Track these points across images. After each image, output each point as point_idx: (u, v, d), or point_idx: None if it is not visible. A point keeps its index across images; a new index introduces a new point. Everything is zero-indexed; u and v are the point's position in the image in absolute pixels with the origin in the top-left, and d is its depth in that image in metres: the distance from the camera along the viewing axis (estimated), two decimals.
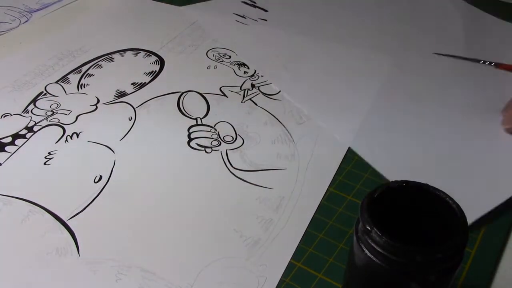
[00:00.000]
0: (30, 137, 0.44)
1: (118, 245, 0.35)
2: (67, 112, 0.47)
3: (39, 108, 0.48)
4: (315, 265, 0.34)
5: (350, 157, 0.42)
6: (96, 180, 0.40)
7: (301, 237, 0.36)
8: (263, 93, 0.50)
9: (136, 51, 0.56)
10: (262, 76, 0.52)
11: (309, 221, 0.37)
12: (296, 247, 0.35)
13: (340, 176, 0.40)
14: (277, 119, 0.46)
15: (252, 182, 0.40)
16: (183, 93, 0.49)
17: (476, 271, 0.33)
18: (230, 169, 0.41)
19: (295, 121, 0.46)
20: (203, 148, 0.43)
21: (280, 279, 0.33)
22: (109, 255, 0.34)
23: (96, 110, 0.47)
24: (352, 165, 0.41)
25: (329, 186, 0.39)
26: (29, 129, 0.45)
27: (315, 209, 0.38)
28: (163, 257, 0.34)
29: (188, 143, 0.43)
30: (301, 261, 0.34)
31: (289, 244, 0.35)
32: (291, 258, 0.34)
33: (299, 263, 0.34)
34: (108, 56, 0.55)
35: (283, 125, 0.45)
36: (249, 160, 0.42)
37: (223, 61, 0.54)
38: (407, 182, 0.26)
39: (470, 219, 0.35)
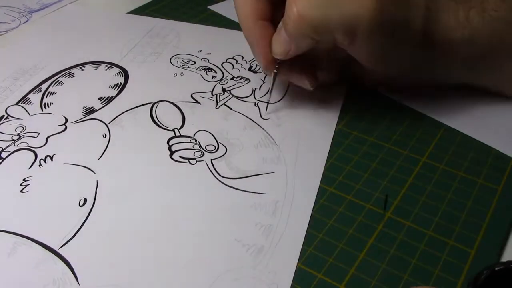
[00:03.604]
0: None
1: (118, 269, 0.34)
2: (35, 135, 0.45)
3: (3, 133, 0.45)
4: (315, 265, 0.34)
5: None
6: (81, 204, 0.39)
7: (303, 239, 0.36)
8: (236, 97, 0.49)
9: (96, 64, 0.55)
10: None
11: (308, 222, 0.37)
12: (301, 250, 0.35)
13: (340, 176, 0.41)
14: (256, 123, 0.46)
15: (243, 189, 0.39)
16: (154, 103, 0.48)
17: (476, 271, 0.34)
18: (219, 178, 0.40)
19: (273, 123, 0.46)
20: (187, 160, 0.42)
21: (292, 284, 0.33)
22: (111, 281, 0.33)
23: (66, 130, 0.46)
24: (352, 165, 0.42)
25: (328, 186, 0.40)
26: None
27: (312, 208, 0.38)
28: (167, 278, 0.34)
29: (171, 156, 0.43)
30: (301, 261, 0.34)
31: (293, 247, 0.35)
32: (298, 262, 0.34)
33: (299, 263, 0.34)
34: (67, 72, 0.53)
35: (263, 128, 0.45)
36: (236, 167, 0.41)
37: (188, 67, 0.54)
38: None
39: None
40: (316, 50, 0.43)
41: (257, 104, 0.48)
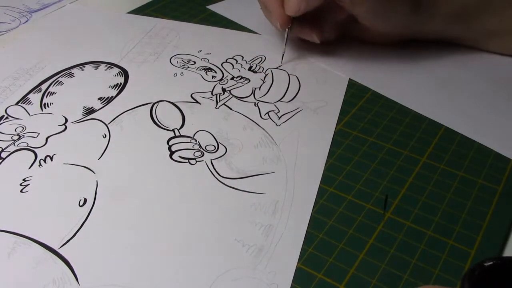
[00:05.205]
0: None
1: (118, 269, 0.34)
2: (34, 135, 0.45)
3: (3, 133, 0.45)
4: (315, 265, 0.34)
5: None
6: (81, 204, 0.39)
7: (303, 239, 0.36)
8: (236, 97, 0.49)
9: (96, 64, 0.54)
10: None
11: (308, 222, 0.37)
12: (300, 250, 0.35)
13: (340, 176, 0.41)
14: (255, 123, 0.46)
15: (243, 189, 0.39)
16: (154, 103, 0.48)
17: None
18: (219, 179, 0.40)
19: (273, 123, 0.46)
20: (187, 160, 0.42)
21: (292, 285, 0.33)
22: (111, 281, 0.33)
23: (66, 130, 0.46)
24: (352, 165, 0.42)
25: (328, 186, 0.40)
26: None
27: (311, 209, 0.38)
28: (167, 278, 0.34)
29: (170, 156, 0.43)
30: (301, 261, 0.34)
31: (293, 247, 0.35)
32: (298, 262, 0.34)
33: (299, 263, 0.34)
34: (67, 72, 0.53)
35: (263, 128, 0.45)
36: (236, 168, 0.41)
37: (188, 67, 0.54)
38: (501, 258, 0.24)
39: None
40: (321, 12, 0.51)
41: (257, 104, 0.48)
